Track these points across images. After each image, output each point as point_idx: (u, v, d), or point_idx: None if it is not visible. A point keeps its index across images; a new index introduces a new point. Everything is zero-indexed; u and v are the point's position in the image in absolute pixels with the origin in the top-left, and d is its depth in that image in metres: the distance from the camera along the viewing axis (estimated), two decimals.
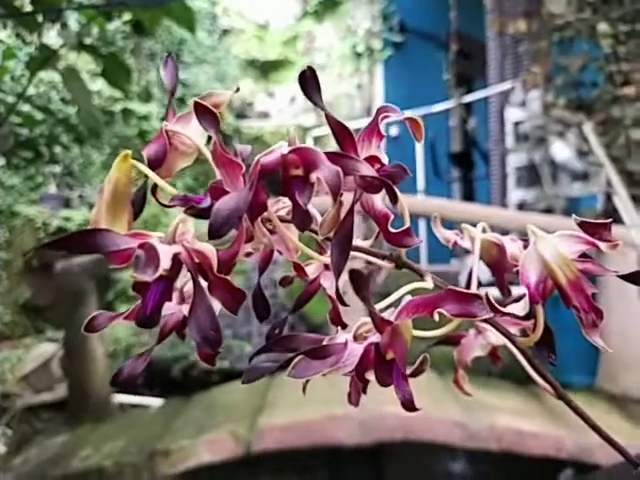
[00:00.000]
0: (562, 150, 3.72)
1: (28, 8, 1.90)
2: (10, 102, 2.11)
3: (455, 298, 0.24)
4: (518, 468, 2.37)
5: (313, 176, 0.24)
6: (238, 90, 0.32)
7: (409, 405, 0.24)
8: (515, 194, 4.06)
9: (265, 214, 0.27)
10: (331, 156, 0.23)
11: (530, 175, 3.97)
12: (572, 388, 2.69)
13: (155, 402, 3.15)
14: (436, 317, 0.24)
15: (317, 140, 5.41)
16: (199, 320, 0.21)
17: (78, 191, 4.82)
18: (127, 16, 2.06)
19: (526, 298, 0.29)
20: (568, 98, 3.78)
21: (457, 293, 0.24)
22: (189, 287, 0.31)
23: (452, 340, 0.41)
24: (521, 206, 3.98)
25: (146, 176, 0.31)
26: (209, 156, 0.31)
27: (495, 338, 0.39)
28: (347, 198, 0.27)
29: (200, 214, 0.23)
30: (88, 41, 2.00)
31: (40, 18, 1.88)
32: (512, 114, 4.13)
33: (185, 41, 5.43)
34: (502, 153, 4.30)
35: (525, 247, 0.35)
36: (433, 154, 4.68)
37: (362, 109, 5.52)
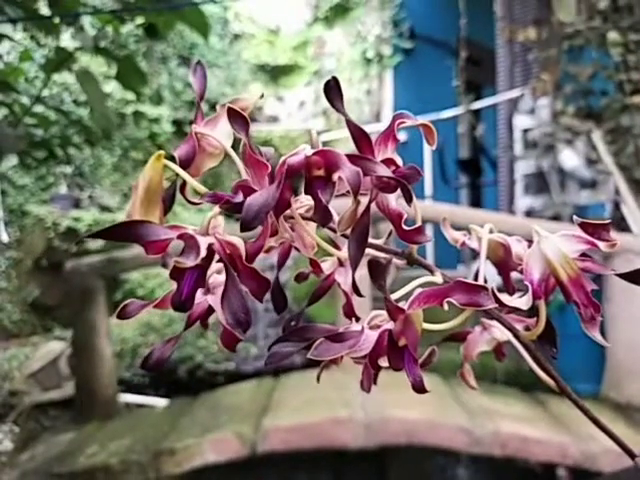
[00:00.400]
0: (570, 158, 3.73)
1: (45, 11, 1.95)
2: (25, 103, 2.15)
3: (463, 289, 0.26)
4: (521, 474, 2.38)
5: (335, 176, 0.26)
6: (262, 97, 0.35)
7: (419, 387, 0.26)
8: (523, 201, 4.07)
9: (288, 211, 0.30)
10: (351, 158, 0.26)
11: (538, 182, 3.98)
12: (577, 395, 2.68)
13: (161, 402, 3.17)
14: (445, 306, 0.26)
15: (325, 144, 5.43)
16: (231, 303, 0.24)
17: (88, 192, 4.87)
18: (140, 19, 2.10)
19: (529, 293, 0.31)
20: (577, 106, 3.79)
21: (465, 284, 0.26)
22: (214, 279, 0.33)
23: (459, 337, 0.43)
24: (529, 213, 3.99)
25: (177, 175, 0.34)
26: (235, 157, 0.34)
27: (500, 334, 0.41)
28: (364, 198, 0.29)
29: (233, 209, 0.25)
30: (103, 44, 2.04)
31: (57, 21, 1.92)
32: (521, 121, 4.14)
33: (196, 45, 5.49)
34: (510, 160, 4.32)
35: (529, 247, 0.37)
36: (441, 160, 4.70)
37: (371, 114, 5.55)
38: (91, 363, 2.87)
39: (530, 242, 0.38)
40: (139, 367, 0.31)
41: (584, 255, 0.34)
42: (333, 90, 0.27)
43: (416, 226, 0.29)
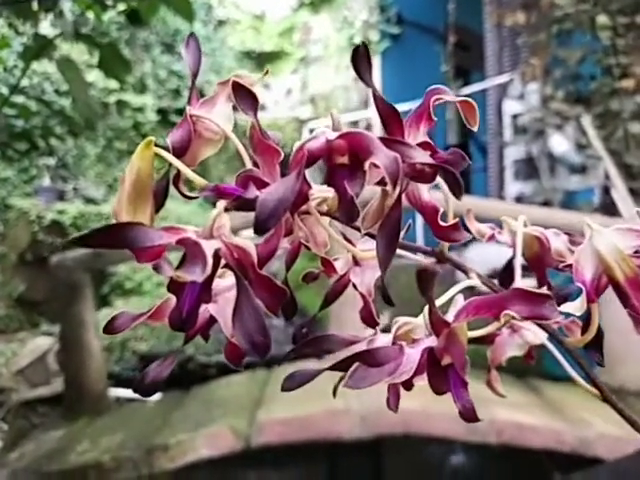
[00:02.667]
0: (560, 143, 3.71)
1: None
2: (3, 93, 2.07)
3: (523, 298, 0.22)
4: (517, 462, 2.37)
5: (366, 164, 0.21)
6: (267, 73, 0.30)
7: (470, 416, 0.22)
8: (513, 187, 4.05)
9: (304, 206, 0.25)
10: (383, 142, 0.21)
11: (528, 168, 3.96)
12: (570, 381, 2.69)
13: (152, 396, 3.13)
14: (502, 320, 0.22)
15: (313, 132, 5.37)
16: (245, 323, 0.19)
17: (72, 184, 4.77)
18: (122, 6, 2.02)
19: (583, 296, 0.27)
20: (567, 91, 3.77)
21: (525, 293, 0.22)
22: (217, 284, 0.29)
23: (485, 339, 0.39)
24: (519, 199, 3.97)
25: (169, 165, 0.29)
26: (237, 142, 0.29)
27: (533, 337, 0.37)
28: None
29: (245, 206, 0.21)
30: (84, 31, 1.96)
31: (35, 6, 1.84)
32: (510, 107, 4.11)
33: (180, 32, 5.37)
34: (500, 146, 4.29)
35: (571, 242, 0.33)
36: None
37: (359, 101, 5.49)
38: (80, 358, 2.82)
39: (568, 233, 0.34)
40: (132, 391, 0.27)
41: (637, 251, 0.30)
42: (362, 59, 0.22)
43: (453, 222, 0.25)
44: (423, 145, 0.24)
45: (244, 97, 0.24)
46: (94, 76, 4.06)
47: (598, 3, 3.72)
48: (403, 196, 0.26)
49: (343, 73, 5.50)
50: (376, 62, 5.52)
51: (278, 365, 2.82)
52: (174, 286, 0.20)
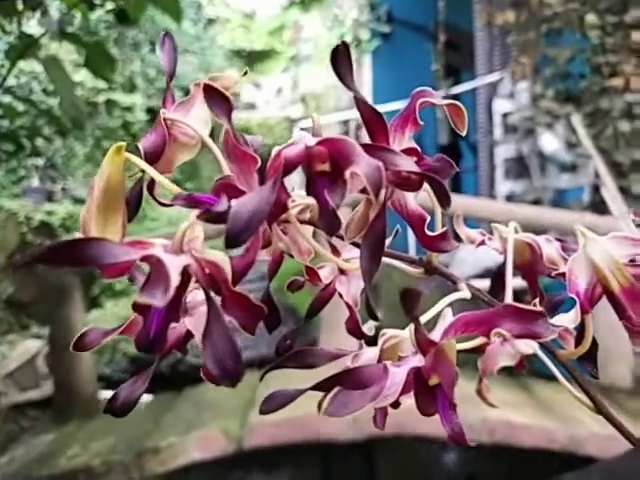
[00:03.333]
0: (550, 142, 3.71)
1: None
2: None
3: (515, 315, 0.20)
4: (509, 460, 2.37)
5: (347, 172, 0.20)
6: (246, 74, 0.29)
7: (459, 439, 0.20)
8: (503, 186, 4.06)
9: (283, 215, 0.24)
10: (366, 148, 0.20)
11: (518, 167, 3.97)
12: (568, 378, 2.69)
13: (143, 398, 3.10)
14: (493, 339, 0.20)
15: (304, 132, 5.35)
16: (215, 348, 0.18)
17: (61, 184, 4.72)
18: (110, 5, 2.00)
19: (577, 308, 0.26)
20: (556, 89, 3.77)
21: (518, 310, 0.21)
22: (192, 297, 0.27)
23: (475, 348, 0.38)
24: (509, 198, 3.98)
25: (142, 171, 0.28)
26: (214, 148, 0.27)
27: (525, 347, 0.35)
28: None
29: (215, 219, 0.19)
30: (70, 30, 1.93)
31: (20, 5, 1.81)
32: (500, 105, 4.12)
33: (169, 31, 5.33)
34: (490, 145, 4.29)
35: (563, 248, 0.32)
36: (420, 146, 4.65)
37: (349, 100, 5.47)
38: (69, 361, 2.80)
39: (560, 239, 0.33)
40: (102, 412, 0.25)
41: (633, 260, 0.28)
42: (342, 59, 0.21)
43: (441, 231, 0.24)
44: (409, 151, 0.23)
45: (216, 101, 0.22)
46: (82, 75, 4.02)
47: (587, 2, 3.73)
48: (388, 204, 0.24)
49: (333, 72, 5.48)
50: (367, 61, 5.51)
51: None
52: (139, 306, 0.19)
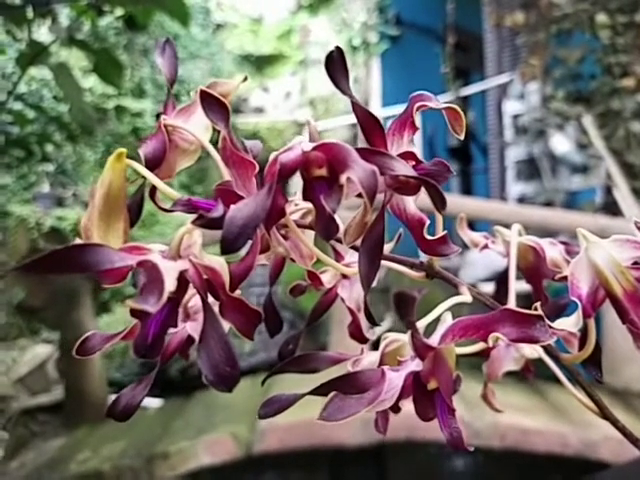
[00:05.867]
0: (561, 143, 3.69)
1: (18, 3, 1.85)
2: (0, 100, 2.06)
3: (513, 320, 0.20)
4: (521, 466, 2.35)
5: (343, 177, 0.20)
6: (246, 79, 0.29)
7: (458, 443, 0.20)
8: (515, 188, 4.03)
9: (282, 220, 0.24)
10: (361, 153, 0.20)
11: (529, 168, 3.94)
12: (575, 383, 2.66)
13: (153, 403, 3.11)
14: (490, 343, 0.20)
15: None
16: (211, 353, 0.18)
17: (72, 190, 4.76)
18: (119, 11, 2.02)
19: (579, 311, 0.25)
20: (567, 90, 3.75)
21: (515, 314, 0.20)
22: (195, 302, 0.28)
23: (480, 352, 0.37)
24: (521, 200, 3.95)
25: (144, 177, 0.28)
26: (215, 154, 0.27)
27: (530, 351, 0.35)
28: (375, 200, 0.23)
29: (211, 224, 0.19)
30: (79, 36, 1.95)
31: (30, 13, 1.83)
32: (510, 107, 4.10)
33: (178, 37, 5.36)
34: (501, 146, 4.27)
35: (567, 251, 0.32)
36: (431, 148, 4.64)
37: None
38: (80, 365, 2.81)
39: (564, 242, 0.33)
40: (105, 416, 0.25)
41: (636, 263, 0.28)
42: (336, 64, 0.21)
43: (441, 235, 0.23)
44: (406, 155, 0.23)
45: (213, 107, 0.22)
46: (92, 82, 4.06)
47: (597, 2, 3.70)
48: (387, 208, 0.24)
49: None
50: (375, 64, 5.51)
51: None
52: (137, 312, 0.19)
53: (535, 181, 3.91)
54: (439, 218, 0.25)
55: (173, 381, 3.25)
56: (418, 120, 0.23)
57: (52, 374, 3.36)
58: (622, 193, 3.42)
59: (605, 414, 0.31)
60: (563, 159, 3.75)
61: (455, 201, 3.66)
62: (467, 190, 5.10)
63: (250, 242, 0.22)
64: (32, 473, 2.38)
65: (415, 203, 0.24)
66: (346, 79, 0.21)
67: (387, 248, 0.33)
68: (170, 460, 2.16)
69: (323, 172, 0.21)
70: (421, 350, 0.21)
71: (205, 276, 0.20)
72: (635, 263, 0.27)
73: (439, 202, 0.21)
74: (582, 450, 2.21)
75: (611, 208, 3.45)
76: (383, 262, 0.29)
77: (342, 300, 0.34)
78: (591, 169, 3.68)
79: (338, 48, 0.21)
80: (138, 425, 2.70)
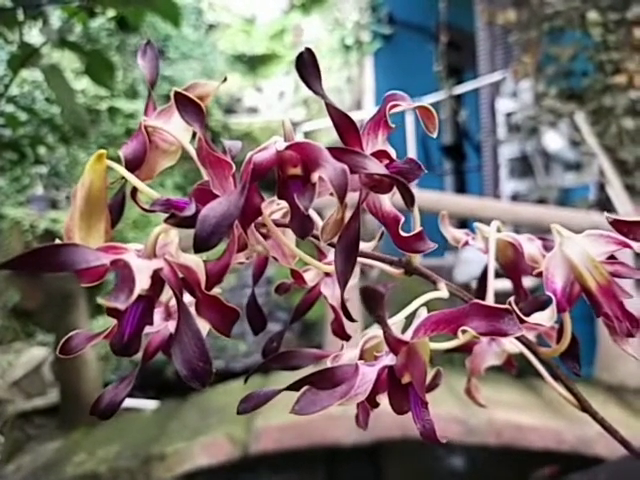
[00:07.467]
0: (554, 140, 3.70)
1: (9, 5, 1.85)
2: None
3: (481, 313, 0.21)
4: (517, 462, 2.36)
5: (315, 176, 0.20)
6: (225, 80, 0.29)
7: (430, 435, 0.21)
8: (508, 185, 4.05)
9: (259, 218, 0.24)
10: (335, 152, 0.20)
11: (522, 166, 3.96)
12: (569, 379, 2.67)
13: (149, 404, 3.11)
14: (460, 336, 0.21)
15: (307, 135, 5.36)
16: (185, 349, 0.18)
17: (65, 192, 4.75)
18: (111, 13, 2.01)
19: (553, 306, 0.26)
20: (559, 88, 3.76)
21: (483, 308, 0.21)
22: (174, 301, 0.28)
23: (463, 348, 0.38)
24: (514, 197, 3.97)
25: (124, 178, 0.28)
26: (194, 154, 0.28)
27: (511, 346, 0.36)
28: (351, 198, 0.24)
29: (184, 223, 0.20)
30: (71, 38, 1.95)
31: (21, 15, 1.83)
32: (503, 105, 4.11)
33: (170, 37, 5.36)
34: (494, 144, 4.29)
35: (545, 247, 0.32)
36: (424, 147, 4.65)
37: (352, 102, 5.48)
38: (75, 368, 2.80)
39: (543, 238, 0.33)
40: (89, 414, 0.26)
41: (611, 257, 0.29)
42: (307, 65, 0.21)
43: (416, 232, 0.24)
44: (380, 154, 0.23)
45: (188, 108, 0.23)
46: (85, 83, 4.05)
47: (588, 0, 3.72)
48: (363, 206, 0.25)
49: (335, 74, 5.49)
50: (368, 63, 5.52)
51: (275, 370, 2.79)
52: (112, 310, 0.19)
53: (528, 178, 3.92)
54: (416, 215, 0.26)
55: (169, 383, 3.24)
56: (411, 120, 0.24)
57: (48, 377, 3.35)
58: (615, 190, 3.43)
59: (584, 407, 0.32)
60: (556, 156, 3.76)
61: (449, 199, 3.66)
62: (461, 188, 5.11)
63: (227, 241, 0.23)
64: (28, 476, 2.38)
65: (391, 201, 0.25)
66: (318, 80, 0.22)
67: (371, 246, 0.34)
68: (166, 461, 2.16)
69: (298, 171, 0.21)
70: (394, 345, 0.21)
71: (181, 275, 0.20)
72: (609, 257, 0.28)
73: (409, 199, 0.21)
74: (577, 446, 2.22)
75: (604, 205, 3.47)
76: (362, 259, 0.29)
77: (325, 298, 0.35)
78: (584, 166, 3.70)
79: (308, 49, 0.21)
80: (134, 427, 2.70)
